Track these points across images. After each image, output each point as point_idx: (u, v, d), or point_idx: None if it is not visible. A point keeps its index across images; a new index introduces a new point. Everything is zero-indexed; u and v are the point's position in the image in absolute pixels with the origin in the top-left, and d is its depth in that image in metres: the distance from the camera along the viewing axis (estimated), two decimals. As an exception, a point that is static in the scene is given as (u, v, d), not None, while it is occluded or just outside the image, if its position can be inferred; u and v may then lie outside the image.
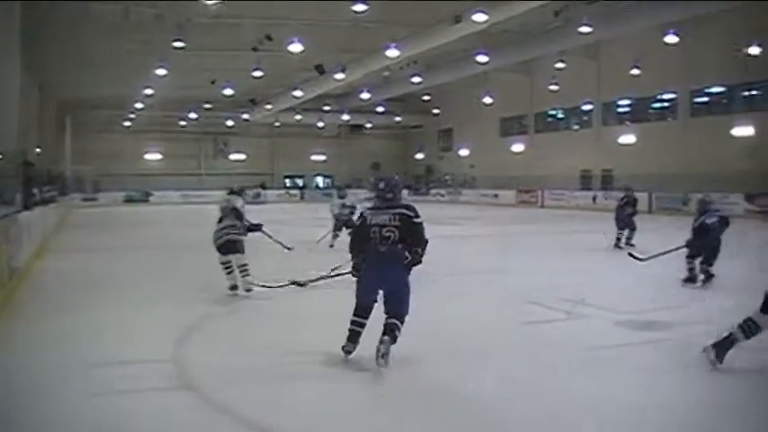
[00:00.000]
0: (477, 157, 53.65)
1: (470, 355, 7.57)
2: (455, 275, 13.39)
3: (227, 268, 11.22)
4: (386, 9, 26.30)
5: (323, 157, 65.25)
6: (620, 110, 42.71)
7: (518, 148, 49.83)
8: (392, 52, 31.23)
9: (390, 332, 6.81)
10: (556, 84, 43.09)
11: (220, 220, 11.52)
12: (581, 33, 29.88)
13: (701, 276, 11.82)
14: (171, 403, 6.09)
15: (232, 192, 16.50)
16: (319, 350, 7.41)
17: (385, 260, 6.96)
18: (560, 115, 47.81)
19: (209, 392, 6.25)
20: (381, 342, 6.73)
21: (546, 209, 40.97)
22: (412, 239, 6.97)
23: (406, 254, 6.92)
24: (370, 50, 33.55)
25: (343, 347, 7.06)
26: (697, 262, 11.83)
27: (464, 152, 56.28)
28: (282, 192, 59.73)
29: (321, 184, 63.63)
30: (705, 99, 37.02)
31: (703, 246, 11.73)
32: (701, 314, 9.35)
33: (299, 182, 64.03)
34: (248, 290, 11.26)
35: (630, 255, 12.59)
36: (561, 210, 39.08)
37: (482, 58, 35.26)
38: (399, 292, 7.03)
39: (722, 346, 6.77)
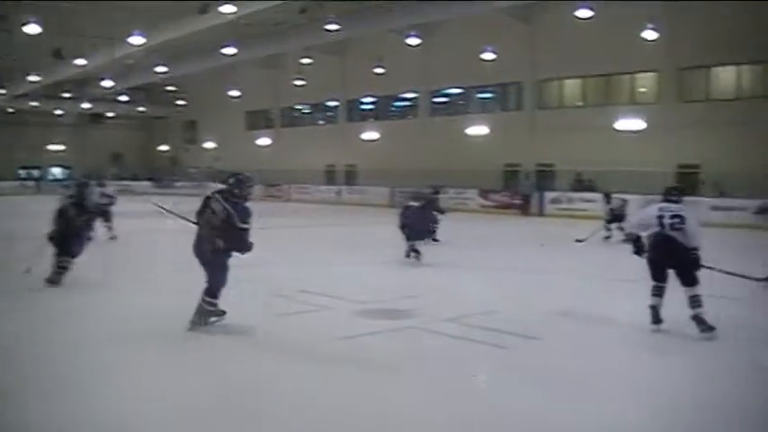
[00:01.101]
0: (222, 150, 52.34)
1: (214, 350, 7.36)
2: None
3: None
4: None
5: (61, 147, 60.59)
6: (364, 107, 43.44)
7: (264, 141, 49.41)
8: (136, 39, 29.68)
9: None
10: (302, 79, 42.91)
11: None
12: (327, 31, 29.93)
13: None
14: None
15: None
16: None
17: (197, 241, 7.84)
18: (306, 110, 47.88)
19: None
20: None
21: (292, 203, 40.78)
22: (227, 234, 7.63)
23: (218, 242, 7.63)
24: (112, 36, 31.68)
25: None
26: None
27: (210, 145, 54.89)
28: (17, 184, 54.76)
29: (59, 176, 58.92)
30: (444, 99, 38.58)
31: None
32: (439, 301, 9.87)
33: (35, 173, 58.98)
34: None
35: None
36: (307, 204, 38.77)
37: (229, 51, 34.40)
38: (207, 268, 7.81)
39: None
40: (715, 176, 24.96)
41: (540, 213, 29.27)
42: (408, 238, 13.92)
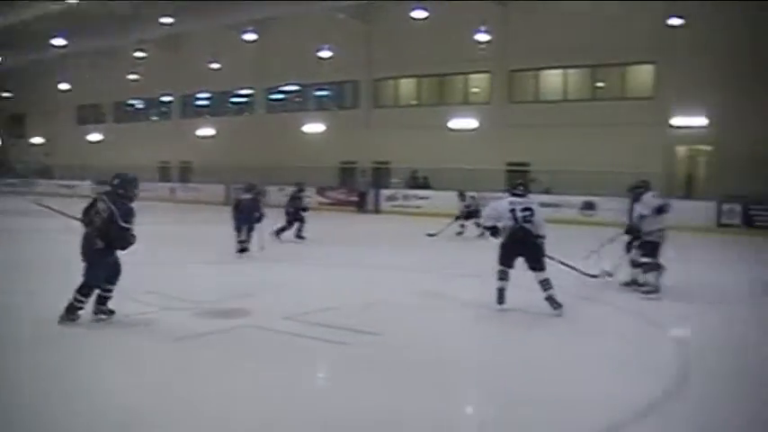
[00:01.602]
0: (52, 146, 49.03)
1: (60, 353, 6.81)
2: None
3: None
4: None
5: None
6: (199, 103, 41.89)
7: (96, 137, 46.62)
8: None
9: None
10: (136, 73, 41.04)
11: None
12: (162, 24, 28.72)
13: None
14: None
15: None
16: None
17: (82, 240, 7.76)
18: (140, 106, 45.73)
19: None
20: None
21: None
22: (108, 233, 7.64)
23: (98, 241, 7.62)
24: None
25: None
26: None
27: (38, 140, 51.41)
28: None
29: None
30: (280, 96, 37.69)
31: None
32: (278, 298, 9.61)
33: None
34: None
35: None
36: (140, 201, 36.48)
37: (59, 42, 32.40)
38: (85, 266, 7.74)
39: None
40: (543, 174, 25.48)
41: (376, 210, 29.09)
42: (238, 230, 13.79)
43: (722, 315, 9.37)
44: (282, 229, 16.87)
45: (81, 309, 7.66)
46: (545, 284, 8.72)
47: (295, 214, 17.17)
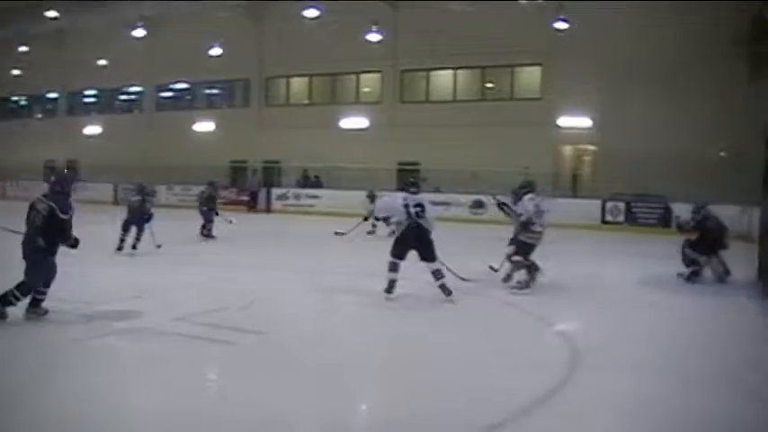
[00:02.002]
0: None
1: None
2: None
3: None
4: None
5: None
6: (86, 100, 40.04)
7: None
8: None
9: None
10: (19, 69, 39.04)
11: None
12: (49, 18, 27.37)
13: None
14: None
15: None
16: None
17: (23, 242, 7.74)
18: (24, 102, 43.48)
19: None
20: None
21: (8, 201, 36.79)
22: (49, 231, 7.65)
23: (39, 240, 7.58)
24: None
25: None
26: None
27: None
28: None
29: None
30: (170, 94, 36.41)
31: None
32: (168, 300, 9.23)
33: None
34: None
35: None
36: (25, 202, 34.84)
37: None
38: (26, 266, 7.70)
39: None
40: (433, 173, 25.34)
41: (268, 209, 28.37)
42: (125, 230, 13.74)
43: (605, 309, 9.52)
44: (205, 227, 16.82)
45: (13, 305, 7.64)
46: (437, 274, 9.25)
47: (209, 213, 16.84)
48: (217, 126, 33.74)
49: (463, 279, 10.23)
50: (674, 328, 8.52)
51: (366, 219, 18.32)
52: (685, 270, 11.56)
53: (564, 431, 5.10)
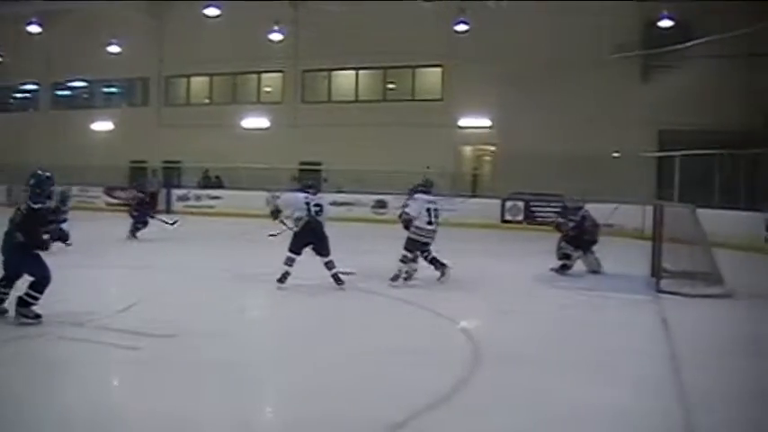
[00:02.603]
0: None
1: None
2: None
3: None
4: None
5: None
6: (-22, 98, 37.95)
7: None
8: None
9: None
10: None
11: None
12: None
13: None
14: None
15: None
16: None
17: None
18: None
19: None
20: None
21: None
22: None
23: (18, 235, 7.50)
24: None
25: None
26: None
27: None
28: None
29: None
30: (67, 93, 34.79)
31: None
32: (65, 304, 8.35)
33: None
34: None
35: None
36: None
37: None
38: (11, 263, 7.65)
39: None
40: (335, 174, 24.94)
41: (168, 210, 27.18)
42: None
43: (504, 305, 9.57)
44: (137, 229, 16.53)
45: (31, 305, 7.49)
46: (330, 265, 10.00)
47: (143, 216, 16.67)
48: (115, 125, 32.31)
49: (347, 273, 10.45)
50: (569, 323, 8.61)
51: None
52: (557, 263, 12.13)
53: (467, 426, 4.99)
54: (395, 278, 10.50)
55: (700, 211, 10.96)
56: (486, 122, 25.93)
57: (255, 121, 29.40)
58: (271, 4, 26.70)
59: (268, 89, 30.26)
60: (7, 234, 7.63)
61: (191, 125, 29.43)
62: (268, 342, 7.63)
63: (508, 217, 22.32)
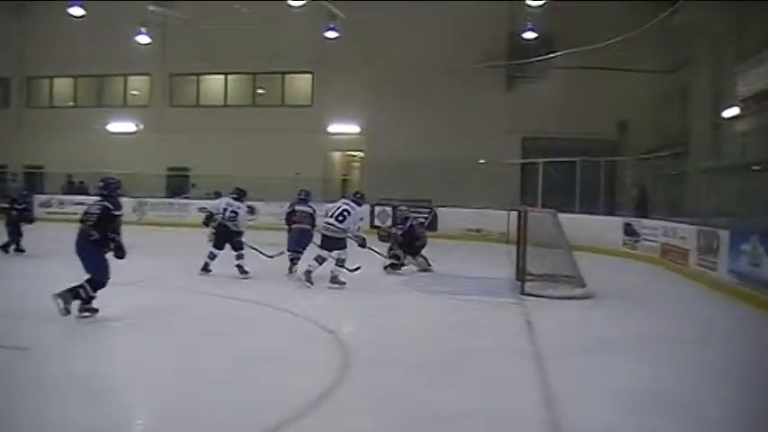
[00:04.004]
0: None
1: None
2: None
3: None
4: None
5: None
6: None
7: None
8: None
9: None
10: None
11: None
12: None
13: None
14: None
15: None
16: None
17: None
18: None
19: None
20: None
21: None
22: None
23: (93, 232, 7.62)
24: None
25: None
26: None
27: None
28: None
29: None
30: None
31: None
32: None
33: None
34: None
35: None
36: None
37: None
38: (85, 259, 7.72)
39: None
40: (203, 179, 23.89)
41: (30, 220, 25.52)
42: None
43: (371, 308, 9.38)
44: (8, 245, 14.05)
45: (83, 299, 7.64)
46: (239, 257, 11.25)
47: (17, 225, 14.43)
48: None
49: (269, 256, 12.02)
50: (435, 326, 8.44)
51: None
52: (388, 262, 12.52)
53: (340, 429, 4.82)
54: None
55: (561, 216, 11.18)
56: (356, 129, 25.57)
57: (122, 125, 27.92)
58: (138, 6, 25.14)
59: (135, 92, 28.82)
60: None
61: (54, 128, 27.60)
62: (129, 353, 6.87)
63: (377, 223, 21.89)
